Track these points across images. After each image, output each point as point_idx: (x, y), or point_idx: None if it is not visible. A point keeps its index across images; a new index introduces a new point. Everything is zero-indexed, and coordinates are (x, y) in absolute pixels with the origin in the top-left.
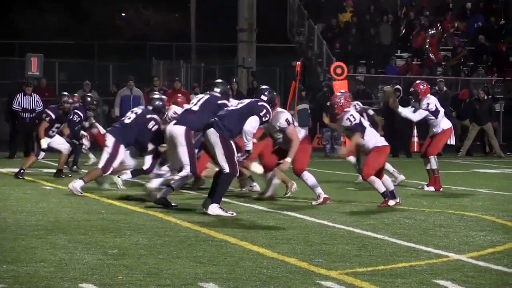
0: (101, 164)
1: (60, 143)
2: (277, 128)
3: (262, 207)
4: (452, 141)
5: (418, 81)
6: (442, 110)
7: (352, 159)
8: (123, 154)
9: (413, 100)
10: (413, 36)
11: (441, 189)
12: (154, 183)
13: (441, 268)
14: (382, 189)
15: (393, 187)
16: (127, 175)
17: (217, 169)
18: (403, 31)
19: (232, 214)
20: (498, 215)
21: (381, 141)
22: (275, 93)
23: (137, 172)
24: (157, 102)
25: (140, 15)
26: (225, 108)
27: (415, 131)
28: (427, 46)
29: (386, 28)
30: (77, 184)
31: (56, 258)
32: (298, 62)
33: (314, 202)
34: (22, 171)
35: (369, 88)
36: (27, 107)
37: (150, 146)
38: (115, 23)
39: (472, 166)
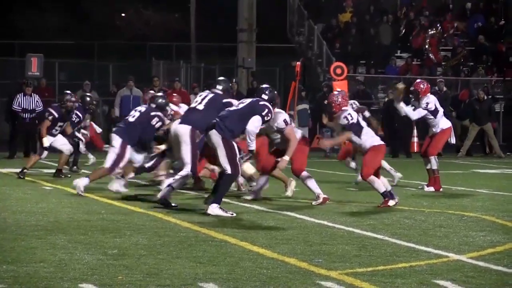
0: (107, 164)
1: (62, 143)
2: (275, 129)
3: (262, 207)
4: (452, 140)
5: (418, 80)
6: (441, 110)
7: (350, 163)
8: (130, 154)
9: (413, 99)
10: (413, 37)
11: (441, 189)
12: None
13: (441, 268)
14: (382, 189)
15: (390, 187)
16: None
17: (211, 167)
18: (403, 31)
19: (232, 214)
20: (498, 216)
21: (378, 140)
22: (275, 92)
23: (140, 169)
24: (160, 100)
25: (140, 15)
26: (226, 109)
27: (415, 131)
28: (427, 46)
29: (386, 28)
30: (82, 182)
31: (56, 258)
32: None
33: (314, 203)
34: (24, 170)
35: (369, 88)
36: (27, 107)
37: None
38: (115, 23)
39: (472, 167)
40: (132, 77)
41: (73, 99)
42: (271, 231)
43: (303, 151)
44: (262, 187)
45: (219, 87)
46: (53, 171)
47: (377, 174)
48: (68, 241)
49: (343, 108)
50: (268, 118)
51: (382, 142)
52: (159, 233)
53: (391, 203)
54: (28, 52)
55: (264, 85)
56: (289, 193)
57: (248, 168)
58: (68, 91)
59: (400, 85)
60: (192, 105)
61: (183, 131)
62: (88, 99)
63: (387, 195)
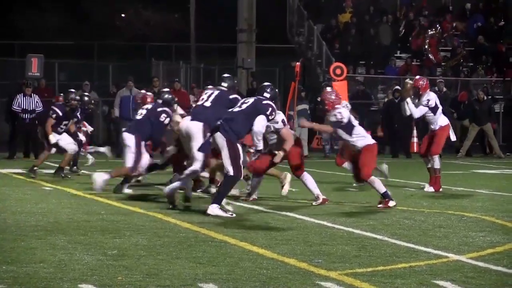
0: (129, 164)
1: (67, 142)
2: (272, 129)
3: (261, 207)
4: (453, 137)
5: (417, 77)
6: (440, 107)
7: (347, 165)
8: (145, 150)
9: (413, 97)
10: (413, 37)
11: (441, 190)
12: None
13: (440, 268)
14: (382, 189)
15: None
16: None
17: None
18: (403, 31)
19: (232, 215)
20: (498, 216)
21: (370, 140)
22: (276, 90)
23: (153, 167)
24: (166, 95)
25: (139, 16)
26: (230, 110)
27: (414, 131)
28: (426, 46)
29: (386, 29)
30: (103, 179)
31: (55, 258)
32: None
33: (314, 203)
34: (35, 168)
35: (368, 89)
36: (27, 108)
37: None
38: (115, 24)
39: (471, 167)
40: (132, 78)
41: (77, 97)
42: (271, 232)
43: (299, 152)
44: (256, 188)
45: (225, 84)
46: (53, 171)
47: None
48: (68, 242)
49: (336, 106)
50: (273, 116)
51: (374, 141)
52: (158, 233)
53: (391, 203)
54: (28, 52)
55: (266, 83)
56: (286, 187)
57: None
58: (72, 90)
59: (410, 82)
60: (199, 102)
61: (196, 128)
62: (86, 99)
63: (388, 195)
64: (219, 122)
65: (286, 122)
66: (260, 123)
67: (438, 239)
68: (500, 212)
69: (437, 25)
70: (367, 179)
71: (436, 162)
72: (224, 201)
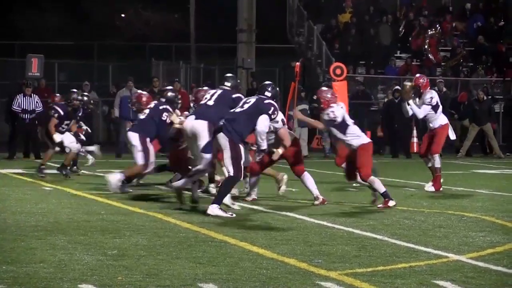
0: (140, 162)
1: (70, 141)
2: (271, 129)
3: (261, 207)
4: (452, 135)
5: (418, 75)
6: (441, 106)
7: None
8: (152, 147)
9: (413, 95)
10: (413, 37)
11: (441, 189)
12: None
13: (440, 268)
14: (382, 189)
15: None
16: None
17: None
18: (402, 31)
19: (232, 215)
20: (498, 216)
21: (365, 139)
22: (277, 88)
23: (162, 168)
24: (169, 94)
25: (139, 16)
26: (232, 110)
27: (414, 131)
28: (426, 46)
29: (386, 29)
30: (117, 179)
31: (55, 258)
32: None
33: (316, 202)
34: (42, 167)
35: (368, 89)
36: (26, 108)
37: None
38: (114, 24)
39: (471, 167)
40: (132, 78)
41: (79, 97)
42: (271, 232)
43: (298, 152)
44: (254, 187)
45: (228, 83)
46: (54, 171)
47: (354, 174)
48: (67, 242)
49: (331, 105)
50: (275, 116)
51: (369, 140)
52: (158, 233)
53: (391, 203)
54: (28, 52)
55: (267, 82)
56: (283, 188)
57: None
58: (74, 90)
59: (408, 83)
60: (202, 101)
61: (201, 126)
62: (86, 99)
63: (388, 195)
64: (221, 123)
65: (285, 122)
66: (263, 123)
67: (438, 239)
68: (500, 212)
69: (437, 25)
70: (367, 179)
71: (437, 161)
72: (230, 201)
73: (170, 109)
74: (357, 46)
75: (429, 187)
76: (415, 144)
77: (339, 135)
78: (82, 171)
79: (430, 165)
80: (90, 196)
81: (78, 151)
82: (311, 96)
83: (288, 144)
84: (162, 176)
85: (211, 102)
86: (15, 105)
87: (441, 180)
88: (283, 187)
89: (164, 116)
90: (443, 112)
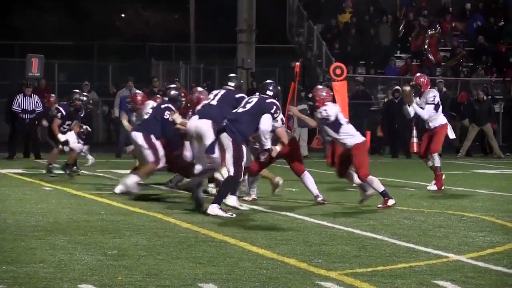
0: (150, 159)
1: (73, 141)
2: (271, 127)
3: (261, 207)
4: (451, 134)
5: (418, 74)
6: (441, 106)
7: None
8: (159, 144)
9: (413, 94)
10: (412, 37)
11: (443, 188)
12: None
13: (440, 268)
14: (381, 188)
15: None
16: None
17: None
18: (402, 31)
19: (232, 215)
20: (498, 216)
21: (359, 138)
22: (279, 87)
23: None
24: (172, 92)
25: (139, 16)
26: (234, 111)
27: (414, 131)
28: (426, 46)
29: (386, 29)
30: (134, 181)
31: (55, 258)
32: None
33: (319, 199)
34: (50, 166)
35: (368, 89)
36: (26, 108)
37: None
38: (114, 24)
39: (471, 167)
40: (132, 78)
41: (82, 97)
42: (271, 232)
43: (298, 151)
44: (252, 187)
45: (231, 83)
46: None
47: (346, 173)
48: (67, 242)
49: (326, 103)
50: (277, 114)
51: (364, 138)
52: (158, 233)
53: (390, 202)
54: (28, 52)
55: (268, 81)
56: (278, 190)
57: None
58: (77, 90)
59: (406, 87)
60: (205, 101)
61: (206, 126)
62: (85, 99)
63: (387, 194)
64: (224, 123)
65: (284, 121)
66: (266, 122)
67: (438, 239)
68: (500, 212)
69: (437, 25)
70: (366, 179)
71: (436, 160)
72: (237, 203)
73: (173, 108)
74: (357, 46)
75: (432, 186)
76: (415, 144)
77: (333, 133)
78: (82, 171)
79: (430, 164)
80: (90, 196)
81: (80, 150)
82: (311, 96)
83: (286, 142)
84: (162, 176)
85: (214, 102)
86: (15, 105)
87: (443, 177)
88: (278, 190)
89: (166, 114)
90: (443, 112)
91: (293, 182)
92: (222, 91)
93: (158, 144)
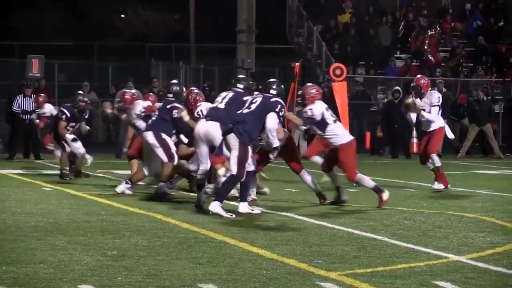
0: (164, 159)
1: (77, 147)
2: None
3: (261, 208)
4: (450, 135)
5: (419, 76)
6: (441, 109)
7: (317, 159)
8: (171, 140)
9: (414, 96)
10: (412, 38)
11: (449, 186)
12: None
13: (440, 269)
14: (371, 184)
15: (340, 183)
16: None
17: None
18: (402, 32)
19: (232, 215)
20: (498, 216)
21: (347, 137)
22: (282, 86)
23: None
24: (174, 88)
25: (139, 16)
26: (239, 112)
27: (414, 132)
28: (426, 47)
29: (385, 29)
30: (163, 188)
31: (55, 259)
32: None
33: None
34: (63, 171)
35: (368, 89)
36: (26, 108)
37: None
38: (114, 24)
39: (471, 167)
40: (131, 78)
41: (85, 99)
42: (271, 232)
43: (295, 150)
44: (253, 186)
45: (240, 85)
46: (52, 172)
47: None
48: (67, 242)
49: (315, 101)
50: (282, 113)
51: (351, 138)
52: (158, 234)
53: (384, 196)
54: (28, 53)
55: (271, 80)
56: (253, 196)
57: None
58: (80, 92)
59: (409, 100)
60: (214, 104)
61: (215, 128)
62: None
63: (379, 189)
64: (230, 125)
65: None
66: (272, 120)
67: (438, 240)
68: (500, 212)
69: (437, 26)
70: (353, 180)
71: (436, 160)
72: (249, 208)
73: (179, 106)
74: (357, 46)
75: (438, 185)
76: (415, 145)
77: (319, 132)
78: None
79: (431, 167)
80: (89, 197)
81: (82, 156)
82: (300, 94)
83: (281, 138)
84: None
85: (222, 105)
86: (15, 105)
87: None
88: (253, 197)
89: (175, 113)
90: (443, 112)
91: (293, 183)
92: (230, 94)
93: (169, 140)
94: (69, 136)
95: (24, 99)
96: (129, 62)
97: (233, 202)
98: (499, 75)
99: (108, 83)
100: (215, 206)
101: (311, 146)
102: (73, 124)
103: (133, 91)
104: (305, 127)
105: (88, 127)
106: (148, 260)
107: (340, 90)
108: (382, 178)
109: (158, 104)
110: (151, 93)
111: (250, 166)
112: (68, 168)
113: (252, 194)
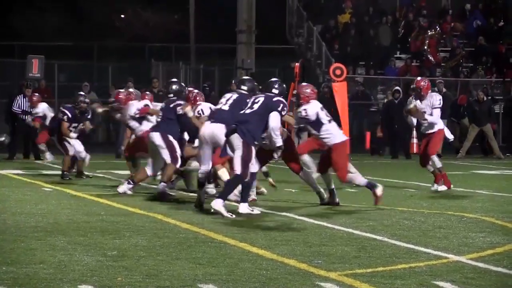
0: (168, 160)
1: (78, 151)
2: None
3: (261, 208)
4: (450, 135)
5: (419, 78)
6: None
7: (306, 158)
8: (176, 142)
9: (414, 98)
10: (412, 38)
11: (452, 186)
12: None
13: (440, 269)
14: (363, 181)
15: (333, 185)
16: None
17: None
18: (402, 32)
19: (232, 215)
20: (498, 217)
21: (340, 137)
22: (284, 85)
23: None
24: (174, 86)
25: (139, 16)
26: (242, 112)
27: (414, 132)
28: (426, 47)
29: (385, 30)
30: (164, 188)
31: (55, 259)
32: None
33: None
34: (65, 173)
35: (368, 89)
36: (26, 109)
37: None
38: (114, 24)
39: (471, 167)
40: (131, 79)
41: (87, 100)
42: (271, 232)
43: (294, 150)
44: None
45: (244, 87)
46: (52, 172)
47: (326, 170)
48: (67, 243)
49: (310, 101)
50: (284, 112)
51: (345, 137)
52: (158, 234)
53: (378, 191)
54: (28, 53)
55: (273, 79)
56: (253, 196)
57: (223, 173)
58: (82, 93)
59: (410, 106)
60: (218, 106)
61: (220, 131)
62: (82, 98)
63: (372, 185)
64: (233, 125)
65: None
66: (275, 119)
67: (438, 240)
68: (500, 212)
69: (437, 26)
70: (345, 180)
71: (436, 161)
72: (249, 208)
73: (181, 102)
74: (357, 46)
75: (441, 187)
76: (415, 145)
77: (313, 131)
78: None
79: (432, 169)
80: (89, 197)
81: (83, 159)
82: (295, 93)
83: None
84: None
85: (226, 107)
86: (15, 106)
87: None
88: (253, 196)
89: (179, 110)
90: (442, 112)
91: (292, 183)
92: (235, 96)
93: (175, 143)
94: (74, 135)
95: (24, 99)
96: (129, 63)
97: (233, 203)
98: (499, 75)
99: (108, 84)
100: (217, 204)
101: (303, 143)
102: (75, 124)
103: (130, 90)
104: (296, 126)
105: (91, 126)
106: (148, 260)
107: (340, 90)
108: (382, 178)
109: (159, 105)
110: (147, 92)
111: (253, 167)
112: (68, 171)
113: (252, 195)
